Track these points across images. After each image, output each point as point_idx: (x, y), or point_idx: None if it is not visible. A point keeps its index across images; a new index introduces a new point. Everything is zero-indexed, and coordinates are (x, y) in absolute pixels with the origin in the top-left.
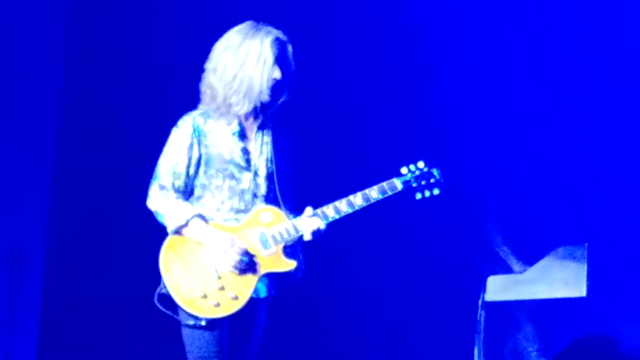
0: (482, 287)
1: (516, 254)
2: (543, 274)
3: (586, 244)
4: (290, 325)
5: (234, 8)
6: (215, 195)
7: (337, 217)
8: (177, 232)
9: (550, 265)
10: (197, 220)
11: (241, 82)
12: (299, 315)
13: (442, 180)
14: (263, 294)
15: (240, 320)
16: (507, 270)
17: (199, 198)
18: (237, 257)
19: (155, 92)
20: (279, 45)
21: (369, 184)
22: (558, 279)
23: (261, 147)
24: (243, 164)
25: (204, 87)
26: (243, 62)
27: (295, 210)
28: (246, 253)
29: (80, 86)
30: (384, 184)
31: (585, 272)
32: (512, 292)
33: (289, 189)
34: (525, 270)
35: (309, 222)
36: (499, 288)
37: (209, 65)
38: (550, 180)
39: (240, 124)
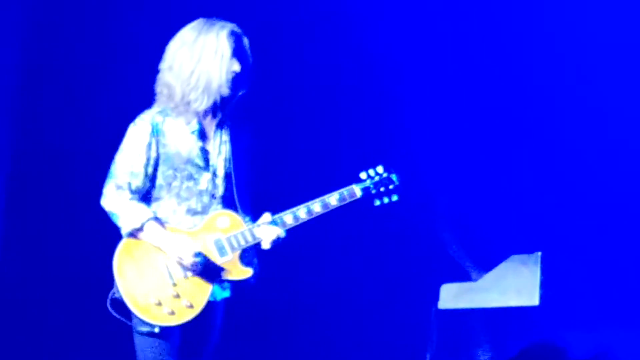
0: (436, 295)
1: (472, 262)
2: (496, 282)
3: (539, 253)
4: (243, 329)
5: (184, 9)
6: (172, 196)
7: (295, 224)
8: (132, 234)
9: (504, 274)
10: (153, 223)
11: (199, 78)
12: (251, 320)
13: (400, 186)
14: (219, 296)
15: (196, 323)
16: (463, 277)
17: (156, 199)
18: (191, 260)
19: (108, 95)
20: (235, 38)
21: (326, 182)
22: (511, 288)
23: (220, 146)
24: (201, 164)
25: (160, 87)
26: (200, 57)
27: (252, 209)
28: (201, 255)
29: (35, 88)
30: (344, 190)
31: (538, 281)
32: (465, 300)
33: (246, 188)
34: (480, 277)
35: (268, 230)
36: (452, 296)
37: (164, 64)
38: (505, 189)
39: (199, 122)
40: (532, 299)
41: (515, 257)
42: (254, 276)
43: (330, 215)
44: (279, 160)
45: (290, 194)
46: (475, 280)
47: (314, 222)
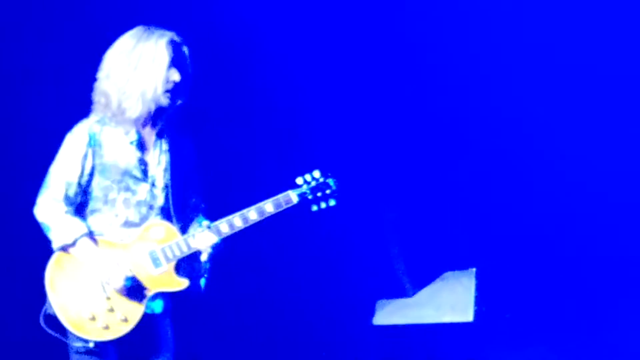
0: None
1: (411, 277)
2: (431, 298)
3: (474, 269)
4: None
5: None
6: (109, 209)
7: (231, 232)
8: (63, 249)
9: (439, 290)
10: (85, 240)
11: (134, 86)
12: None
13: (338, 191)
14: (158, 309)
15: (137, 338)
16: (400, 293)
17: (92, 211)
18: (121, 283)
19: (42, 103)
20: (174, 46)
21: (265, 189)
22: (446, 304)
23: (159, 156)
24: (139, 175)
25: (97, 96)
26: (137, 65)
27: (208, 216)
28: (132, 277)
29: None
30: (280, 197)
31: (472, 297)
32: (400, 316)
33: (185, 198)
34: (415, 293)
35: (202, 239)
36: (387, 312)
37: (102, 73)
38: (445, 204)
39: (138, 132)
40: (466, 315)
41: (450, 274)
42: (205, 282)
43: (268, 222)
44: (217, 167)
45: (228, 201)
46: (411, 296)
47: (252, 229)
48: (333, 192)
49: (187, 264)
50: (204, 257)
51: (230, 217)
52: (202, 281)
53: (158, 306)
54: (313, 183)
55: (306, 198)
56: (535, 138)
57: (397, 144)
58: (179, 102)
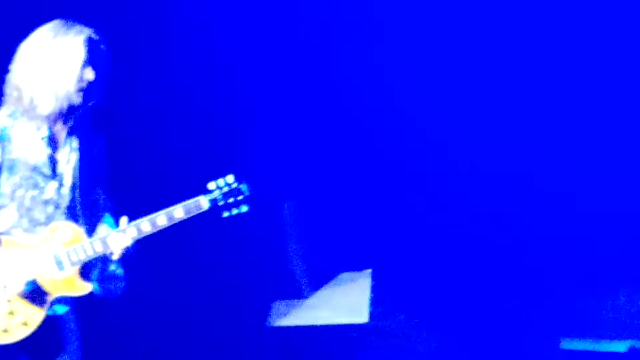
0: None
1: (306, 277)
2: (326, 299)
3: (370, 270)
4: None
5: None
6: (15, 206)
7: (139, 237)
8: None
9: (334, 291)
10: None
11: (48, 82)
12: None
13: (250, 197)
14: (61, 310)
15: (39, 341)
16: (296, 292)
17: None
18: (21, 288)
19: None
20: (91, 44)
21: (177, 192)
22: (341, 305)
23: (69, 154)
24: (48, 172)
25: (9, 89)
26: (52, 60)
27: (115, 216)
28: (34, 281)
29: None
30: (191, 202)
31: (368, 298)
32: (296, 318)
33: (94, 199)
34: (311, 294)
35: (109, 242)
36: (284, 313)
37: (15, 65)
38: (341, 204)
39: (49, 128)
40: (361, 316)
41: (346, 275)
42: (121, 287)
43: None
44: (129, 168)
45: (138, 204)
46: (307, 297)
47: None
48: (245, 197)
49: (96, 268)
50: (112, 261)
51: (138, 221)
52: (119, 287)
53: (61, 308)
54: (225, 188)
55: (217, 204)
56: (431, 135)
57: (292, 143)
58: (92, 102)
